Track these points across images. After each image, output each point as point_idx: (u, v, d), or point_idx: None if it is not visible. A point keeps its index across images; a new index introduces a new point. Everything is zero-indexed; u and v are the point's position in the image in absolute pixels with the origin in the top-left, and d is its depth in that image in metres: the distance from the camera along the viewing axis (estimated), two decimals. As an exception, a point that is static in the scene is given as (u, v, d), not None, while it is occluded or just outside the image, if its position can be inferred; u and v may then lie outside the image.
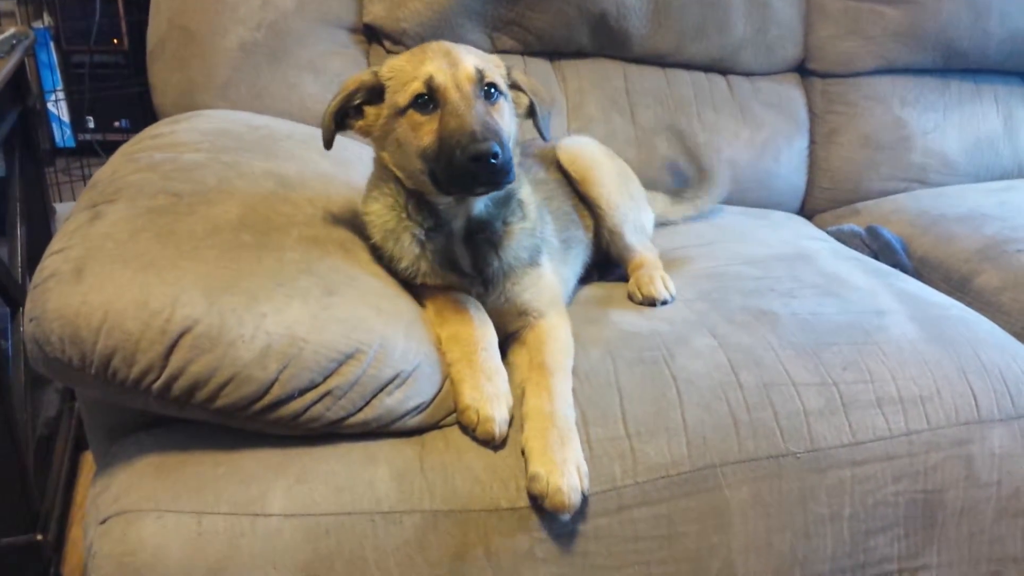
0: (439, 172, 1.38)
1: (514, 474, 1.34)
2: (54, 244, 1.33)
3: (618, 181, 1.92)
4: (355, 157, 1.76)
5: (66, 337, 1.20)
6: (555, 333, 1.52)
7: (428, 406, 1.37)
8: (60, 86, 4.22)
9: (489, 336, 1.45)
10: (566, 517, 1.32)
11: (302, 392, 1.27)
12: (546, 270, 1.59)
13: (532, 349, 1.49)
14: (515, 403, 1.39)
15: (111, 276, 1.24)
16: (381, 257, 1.51)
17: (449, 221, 1.48)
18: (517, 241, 1.52)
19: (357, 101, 1.46)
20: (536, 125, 1.54)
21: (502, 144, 1.33)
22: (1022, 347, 1.68)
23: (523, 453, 1.33)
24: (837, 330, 1.61)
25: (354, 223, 1.56)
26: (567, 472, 1.30)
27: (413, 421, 1.37)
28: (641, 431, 1.41)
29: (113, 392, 1.25)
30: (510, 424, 1.36)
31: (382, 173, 1.51)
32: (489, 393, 1.36)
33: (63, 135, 4.29)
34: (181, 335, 1.21)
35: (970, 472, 1.51)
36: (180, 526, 1.24)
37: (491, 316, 1.51)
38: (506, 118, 1.44)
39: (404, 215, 1.49)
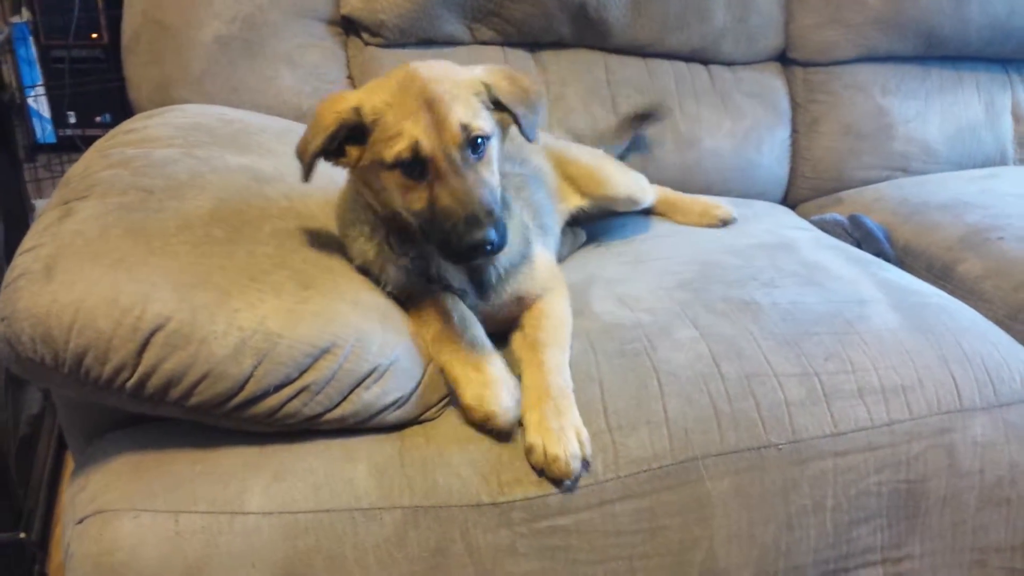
0: (431, 238, 1.34)
1: (495, 469, 1.33)
2: (25, 242, 1.31)
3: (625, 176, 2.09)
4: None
5: (37, 337, 1.19)
6: (548, 310, 1.52)
7: (407, 401, 1.36)
8: (40, 81, 4.17)
9: (472, 328, 1.43)
10: (568, 484, 1.32)
11: (277, 388, 1.25)
12: (537, 255, 1.58)
13: (527, 328, 1.50)
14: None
15: (82, 274, 1.23)
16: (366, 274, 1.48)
17: None
18: (509, 242, 1.48)
19: (338, 141, 1.36)
20: (521, 131, 1.45)
21: (496, 222, 1.30)
22: (1004, 335, 1.67)
23: (521, 426, 1.34)
24: (819, 320, 1.60)
25: (331, 216, 1.54)
26: (564, 439, 1.31)
27: (392, 416, 1.35)
28: (622, 424, 1.40)
29: (87, 391, 1.23)
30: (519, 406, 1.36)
31: (358, 198, 1.46)
32: (483, 383, 1.35)
33: (44, 131, 4.24)
34: (153, 332, 1.20)
35: (952, 461, 1.50)
36: (157, 525, 1.23)
37: (491, 315, 1.51)
38: (495, 163, 1.39)
39: (386, 247, 1.45)
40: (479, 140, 1.34)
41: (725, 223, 2.14)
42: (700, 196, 2.27)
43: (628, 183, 2.07)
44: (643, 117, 2.40)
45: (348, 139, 1.36)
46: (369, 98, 1.34)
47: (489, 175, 1.36)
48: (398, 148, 1.30)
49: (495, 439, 1.35)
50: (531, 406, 1.35)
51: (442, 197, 1.30)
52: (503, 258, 1.49)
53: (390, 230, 1.44)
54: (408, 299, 1.48)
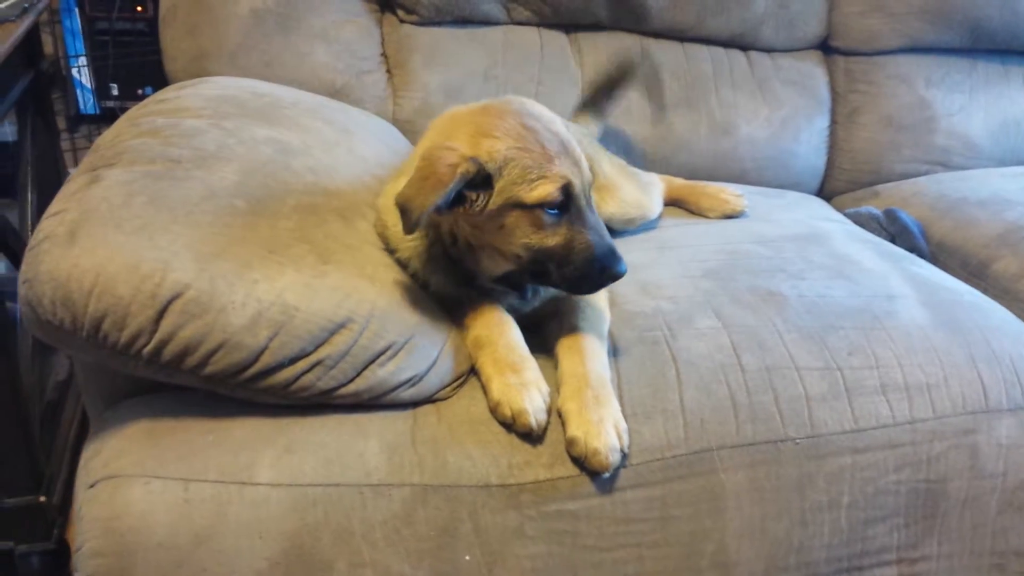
0: (554, 271, 1.36)
1: (505, 451, 1.33)
2: (52, 207, 1.33)
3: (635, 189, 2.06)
4: (358, 125, 1.74)
5: (58, 300, 1.20)
6: (587, 299, 1.52)
7: (421, 379, 1.36)
8: (84, 52, 4.21)
9: (509, 331, 1.43)
10: (606, 476, 1.33)
11: (292, 360, 1.26)
12: None
13: (565, 316, 1.49)
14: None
15: (104, 239, 1.24)
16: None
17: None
18: None
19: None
20: None
21: None
22: (1035, 336, 1.63)
23: (560, 416, 1.33)
24: (845, 314, 1.57)
25: (357, 193, 1.54)
26: (603, 432, 1.30)
27: (406, 394, 1.35)
28: (637, 412, 1.38)
29: (104, 356, 1.25)
30: (549, 413, 1.34)
31: (433, 233, 1.44)
32: (516, 385, 1.34)
33: (86, 102, 4.29)
34: (171, 300, 1.21)
35: (975, 462, 1.47)
36: (167, 492, 1.24)
37: (528, 313, 1.51)
38: None
39: (436, 255, 1.45)
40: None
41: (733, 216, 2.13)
42: (708, 185, 2.24)
43: (638, 203, 2.04)
44: (611, 85, 2.29)
45: (467, 187, 1.33)
46: (484, 145, 1.32)
47: None
48: (546, 189, 1.32)
49: (521, 439, 1.34)
50: (570, 395, 1.34)
51: (581, 238, 1.34)
52: None
53: (451, 258, 1.45)
54: (448, 300, 1.48)
